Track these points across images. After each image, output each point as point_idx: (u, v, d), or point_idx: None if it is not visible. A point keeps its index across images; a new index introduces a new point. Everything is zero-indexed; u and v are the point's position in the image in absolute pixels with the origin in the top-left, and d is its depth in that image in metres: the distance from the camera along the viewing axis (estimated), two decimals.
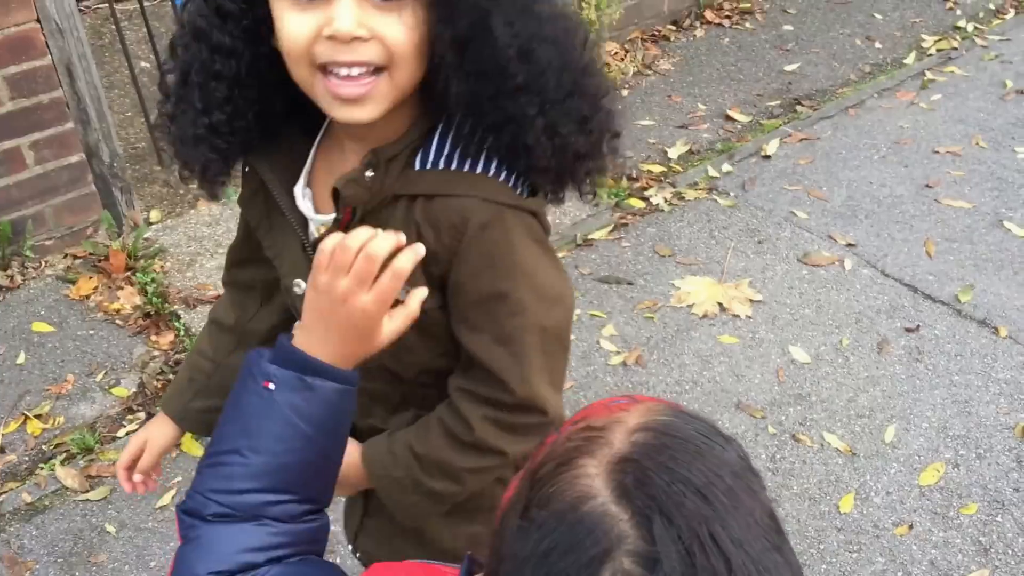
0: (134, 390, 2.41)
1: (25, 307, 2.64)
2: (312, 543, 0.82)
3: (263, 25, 0.89)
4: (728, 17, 4.15)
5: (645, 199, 3.09)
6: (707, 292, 2.71)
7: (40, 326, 2.58)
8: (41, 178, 2.70)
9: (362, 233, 0.83)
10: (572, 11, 0.94)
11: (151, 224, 2.95)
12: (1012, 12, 4.22)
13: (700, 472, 0.54)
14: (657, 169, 3.23)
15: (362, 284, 0.82)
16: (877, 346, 2.52)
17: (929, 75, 3.73)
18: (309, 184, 1.01)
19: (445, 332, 0.99)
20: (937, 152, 3.29)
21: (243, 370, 0.82)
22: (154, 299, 2.63)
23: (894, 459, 2.22)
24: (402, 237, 0.85)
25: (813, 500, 2.13)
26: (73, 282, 2.70)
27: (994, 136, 3.36)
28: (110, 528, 2.10)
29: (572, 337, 1.33)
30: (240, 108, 0.92)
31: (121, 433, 2.31)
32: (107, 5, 3.10)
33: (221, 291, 2.77)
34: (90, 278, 2.71)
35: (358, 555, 1.26)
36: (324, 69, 0.86)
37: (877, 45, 3.98)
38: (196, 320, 2.59)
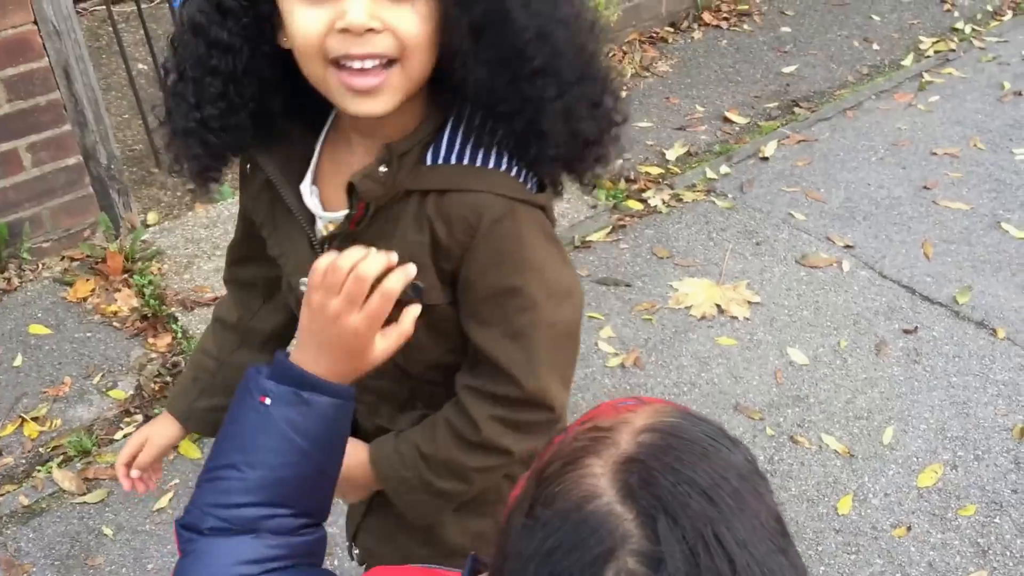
0: (131, 392, 2.40)
1: (22, 309, 2.64)
2: (309, 556, 0.83)
3: (266, 23, 0.89)
4: (726, 19, 4.16)
5: (643, 201, 3.09)
6: (705, 294, 2.71)
7: (37, 328, 2.57)
8: (38, 180, 2.69)
9: (353, 253, 0.84)
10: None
11: (148, 226, 2.95)
12: (1010, 14, 4.22)
13: (706, 473, 0.54)
14: (655, 171, 3.23)
15: (353, 304, 0.83)
16: (875, 348, 2.52)
17: (927, 77, 3.73)
18: (315, 182, 1.01)
19: (455, 328, 0.99)
20: (935, 154, 3.29)
21: (241, 386, 0.83)
22: (151, 301, 2.62)
23: (892, 460, 2.22)
24: (393, 257, 0.86)
25: (811, 502, 2.13)
26: (70, 284, 2.70)
27: (992, 138, 3.36)
28: (107, 531, 2.09)
29: None
30: (234, 105, 0.92)
31: (118, 435, 2.31)
32: (104, 7, 3.10)
33: (219, 293, 2.79)
34: (87, 280, 2.71)
35: (356, 552, 1.26)
36: (337, 63, 0.86)
37: (875, 47, 3.98)
38: (194, 322, 2.59)
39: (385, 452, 1.05)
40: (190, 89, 0.92)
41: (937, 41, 3.99)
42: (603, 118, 0.94)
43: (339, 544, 1.97)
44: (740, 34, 4.08)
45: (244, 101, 0.92)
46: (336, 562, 1.98)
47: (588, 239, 2.93)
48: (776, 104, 3.62)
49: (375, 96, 0.87)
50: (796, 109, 3.60)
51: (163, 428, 1.22)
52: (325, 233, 1.00)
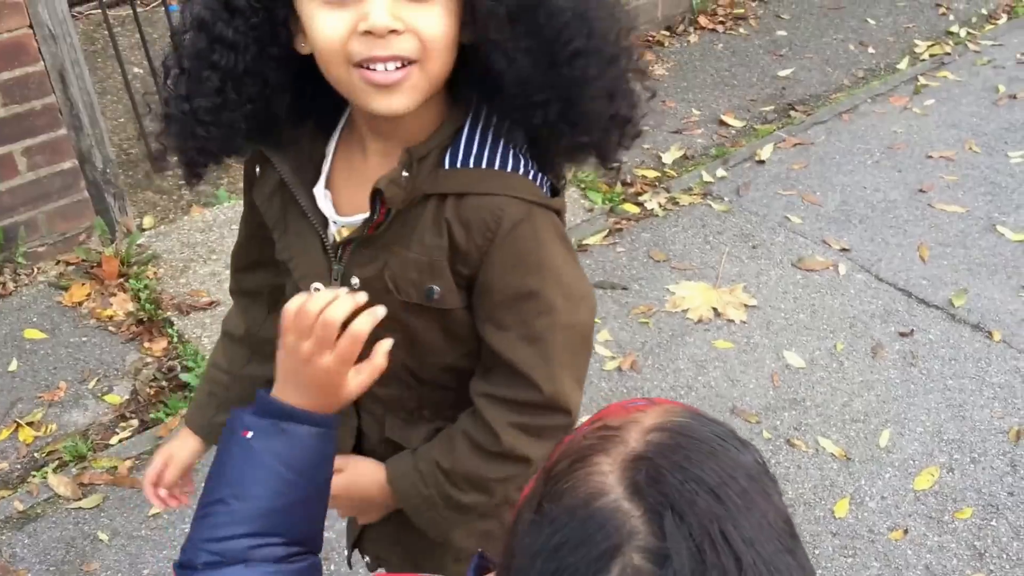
0: (127, 397, 2.40)
1: (17, 314, 2.63)
2: None
3: (281, 27, 0.89)
4: (722, 23, 4.17)
5: (640, 204, 3.09)
6: (702, 297, 2.71)
7: (32, 333, 2.57)
8: (34, 184, 2.69)
9: (323, 296, 0.86)
10: None
11: (144, 230, 2.94)
12: (1004, 17, 4.24)
13: (714, 472, 0.54)
14: (651, 174, 3.23)
15: (322, 346, 0.85)
16: (871, 351, 2.52)
17: (922, 80, 3.74)
18: (327, 186, 1.00)
19: (470, 332, 0.99)
20: (930, 157, 3.30)
21: (226, 427, 0.86)
22: (147, 306, 2.62)
23: (889, 464, 2.22)
24: (361, 298, 0.87)
25: (808, 505, 2.13)
26: (66, 289, 2.69)
27: (987, 141, 3.37)
28: (103, 536, 2.08)
29: None
30: (230, 102, 0.91)
31: (114, 440, 2.30)
32: (100, 11, 3.10)
33: (215, 297, 2.79)
34: (83, 285, 2.70)
35: (365, 559, 1.26)
36: (359, 66, 0.86)
37: (870, 50, 3.99)
38: (189, 327, 2.58)
39: (404, 470, 1.04)
40: (183, 81, 0.92)
41: (932, 45, 4.00)
42: (635, 94, 0.95)
43: (335, 549, 1.97)
44: (736, 38, 4.09)
45: (241, 100, 0.92)
46: (333, 567, 1.97)
47: (585, 242, 2.93)
48: (772, 107, 3.63)
49: (398, 91, 0.87)
50: (792, 112, 3.60)
51: (184, 444, 1.22)
52: (338, 238, 0.99)
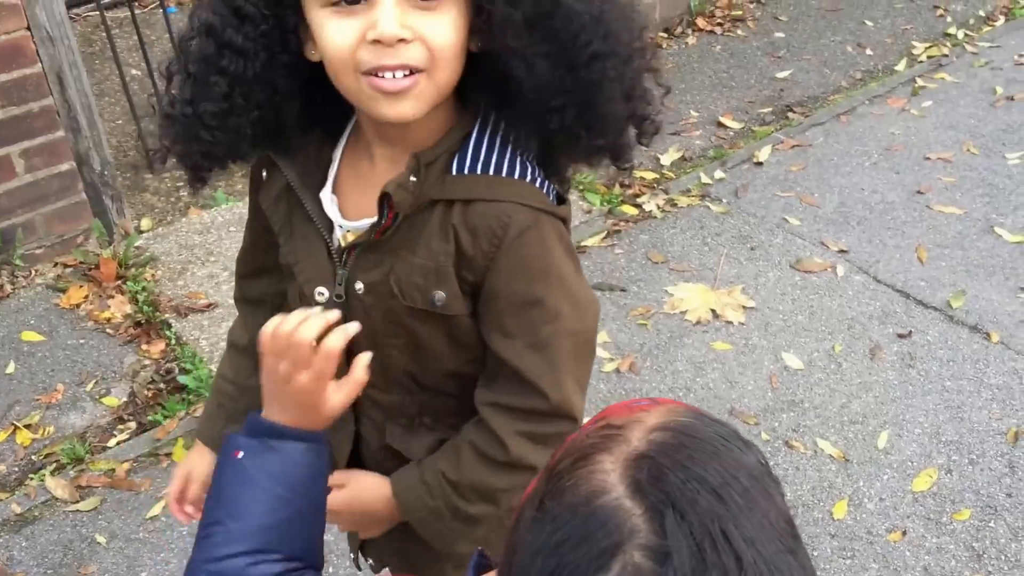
0: (125, 399, 2.39)
1: (15, 316, 2.63)
2: None
3: (291, 34, 0.89)
4: (720, 24, 4.17)
5: (638, 206, 3.09)
6: (700, 299, 2.71)
7: (30, 335, 2.56)
8: (31, 186, 2.68)
9: (294, 318, 0.87)
10: None
11: (142, 232, 2.94)
12: (1002, 19, 4.24)
13: (716, 472, 0.54)
14: (650, 176, 3.23)
15: (298, 365, 0.86)
16: (870, 352, 2.53)
17: (920, 82, 3.75)
18: (334, 191, 1.00)
19: (475, 339, 0.99)
20: (928, 158, 3.31)
21: (221, 452, 0.88)
22: (145, 308, 2.62)
23: (887, 465, 2.22)
24: (332, 316, 0.88)
25: (807, 506, 2.13)
26: (63, 291, 2.69)
27: (985, 142, 3.38)
28: (100, 539, 2.08)
29: None
30: (237, 107, 0.91)
31: (111, 443, 2.30)
32: (98, 13, 3.09)
33: (212, 299, 2.78)
34: (80, 287, 2.70)
35: (370, 562, 1.27)
36: (367, 74, 0.86)
37: (868, 52, 4.00)
38: (187, 329, 2.58)
39: (409, 483, 1.04)
40: (188, 85, 0.92)
41: (930, 46, 4.00)
42: (650, 92, 0.95)
43: (333, 552, 1.96)
44: (734, 39, 4.09)
45: (249, 106, 0.92)
46: (331, 569, 1.97)
47: (583, 244, 2.93)
48: (770, 109, 3.63)
49: (406, 98, 0.87)
50: (790, 114, 3.60)
51: (202, 458, 1.22)
52: (343, 243, 0.99)
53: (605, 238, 2.96)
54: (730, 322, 2.63)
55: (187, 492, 1.20)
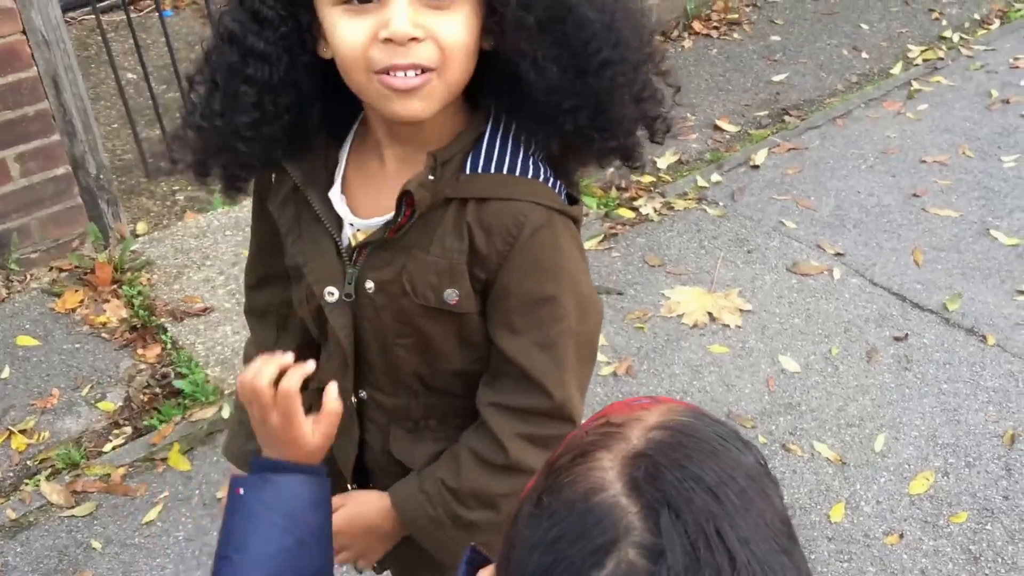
0: (120, 404, 2.39)
1: (10, 321, 2.62)
2: None
3: (306, 33, 0.89)
4: (716, 28, 4.18)
5: (634, 209, 3.09)
6: (697, 302, 2.71)
7: (25, 340, 2.55)
8: (26, 190, 2.68)
9: (252, 367, 0.90)
10: None
11: (138, 236, 2.94)
12: (997, 22, 4.26)
13: (713, 472, 0.54)
14: (646, 179, 3.23)
15: (265, 409, 0.89)
16: (866, 355, 2.53)
17: (915, 85, 3.76)
18: (343, 191, 1.01)
19: (483, 338, 1.00)
20: (924, 161, 3.31)
21: (227, 495, 0.91)
22: (140, 312, 2.61)
23: (884, 468, 2.22)
24: (288, 358, 0.89)
25: (804, 510, 2.12)
26: (59, 295, 2.68)
27: (980, 145, 3.38)
28: (96, 544, 2.07)
29: None
30: (268, 115, 0.92)
31: (107, 448, 2.29)
32: (93, 16, 3.09)
33: (208, 303, 2.78)
34: (76, 291, 2.69)
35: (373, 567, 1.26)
36: (379, 72, 0.86)
37: (864, 55, 4.01)
38: (183, 333, 2.57)
39: (409, 492, 1.04)
40: (218, 98, 0.92)
41: (925, 50, 4.01)
42: (660, 93, 0.96)
43: None
44: (730, 43, 4.10)
45: (279, 111, 0.92)
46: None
47: None
48: (766, 112, 3.64)
49: (418, 96, 0.87)
50: (786, 117, 3.61)
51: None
52: (354, 242, 0.99)
53: (602, 241, 2.96)
54: (727, 325, 2.63)
55: None
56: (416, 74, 0.85)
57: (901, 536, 2.06)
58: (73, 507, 2.15)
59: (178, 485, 2.21)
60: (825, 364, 2.51)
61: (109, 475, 2.22)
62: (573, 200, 0.99)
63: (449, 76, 0.87)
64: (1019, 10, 4.32)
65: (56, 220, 2.76)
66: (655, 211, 3.08)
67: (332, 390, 0.91)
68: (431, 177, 0.92)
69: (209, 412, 2.34)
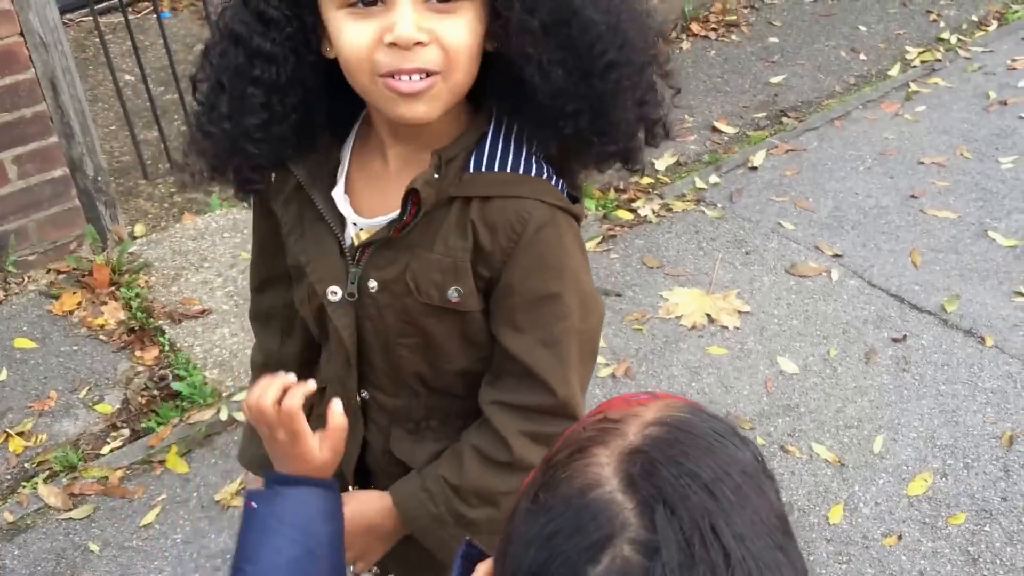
0: (118, 406, 2.38)
1: (7, 323, 2.61)
2: None
3: (312, 34, 0.89)
4: (714, 30, 4.18)
5: (633, 211, 3.09)
6: (695, 303, 2.71)
7: (22, 342, 2.55)
8: (24, 192, 2.68)
9: (256, 388, 0.92)
10: None
11: (135, 238, 2.93)
12: (995, 24, 4.26)
13: (709, 468, 0.54)
14: (645, 181, 3.23)
15: (272, 427, 0.91)
16: (864, 356, 2.53)
17: (913, 87, 3.76)
18: (345, 190, 1.01)
19: (486, 337, 1.00)
20: (922, 163, 3.31)
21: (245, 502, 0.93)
22: (138, 314, 2.61)
23: (882, 469, 2.22)
24: (290, 378, 0.91)
25: (802, 511, 2.12)
26: (56, 297, 2.68)
27: (978, 147, 3.39)
28: (94, 547, 2.07)
29: None
30: (277, 115, 0.92)
31: (105, 450, 2.29)
32: (91, 18, 3.09)
33: (206, 305, 2.77)
34: (74, 293, 2.69)
35: (375, 569, 1.26)
36: (383, 75, 0.87)
37: (862, 57, 4.01)
38: (181, 335, 2.57)
39: (410, 491, 1.04)
40: (226, 99, 0.92)
41: (923, 51, 4.01)
42: (661, 96, 0.96)
43: None
44: (728, 45, 4.10)
45: (287, 111, 0.92)
46: None
47: None
48: (764, 114, 3.64)
49: (423, 99, 0.87)
50: (784, 119, 3.61)
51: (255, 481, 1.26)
52: (357, 241, 1.00)
53: (600, 243, 2.96)
54: (725, 327, 2.63)
55: None
56: (421, 78, 0.86)
57: (900, 538, 2.06)
58: (71, 510, 2.14)
59: (176, 487, 2.20)
60: (823, 365, 2.51)
61: (107, 477, 2.21)
62: (574, 199, 1.00)
63: (454, 79, 0.88)
64: (1017, 12, 4.33)
65: (54, 222, 2.76)
66: (653, 213, 3.08)
67: (336, 407, 0.92)
68: (436, 175, 0.92)
69: (207, 414, 2.34)
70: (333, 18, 0.87)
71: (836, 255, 2.89)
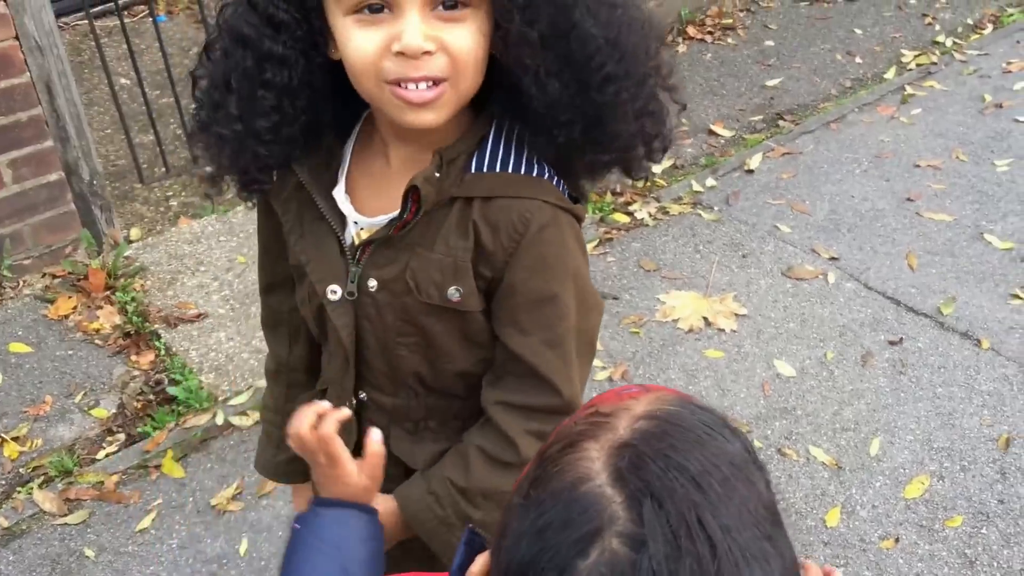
0: (114, 411, 2.38)
1: (2, 327, 2.61)
2: None
3: (319, 36, 0.90)
4: (710, 33, 4.19)
5: (629, 214, 3.09)
6: (692, 306, 2.71)
7: (17, 347, 2.54)
8: (19, 196, 2.67)
9: (295, 419, 0.95)
10: None
11: (131, 242, 2.93)
12: (990, 27, 4.27)
13: (697, 461, 0.55)
14: (641, 184, 3.24)
15: (314, 453, 0.95)
16: (861, 359, 2.53)
17: (909, 89, 3.77)
18: (346, 190, 1.01)
19: (487, 337, 1.00)
20: (918, 166, 3.32)
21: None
22: (134, 318, 2.60)
23: (879, 472, 2.22)
24: (324, 405, 0.96)
25: (800, 514, 2.12)
26: (51, 301, 2.67)
27: (974, 149, 3.39)
28: (89, 552, 2.06)
29: None
30: (288, 117, 0.92)
31: (100, 455, 2.28)
32: (86, 22, 3.08)
33: (202, 309, 2.76)
34: (69, 297, 2.68)
35: None
36: (390, 82, 0.87)
37: (858, 60, 4.02)
38: (177, 339, 2.57)
39: (416, 495, 1.04)
40: (235, 101, 0.92)
41: (919, 54, 4.02)
42: (663, 110, 0.97)
43: None
44: (724, 48, 4.11)
45: (296, 113, 0.93)
46: None
47: None
48: (761, 117, 3.65)
49: (431, 108, 0.88)
50: (780, 122, 3.62)
51: (296, 495, 1.29)
52: (357, 241, 1.00)
53: (597, 246, 2.96)
54: (722, 330, 2.63)
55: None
56: (428, 86, 0.86)
57: (897, 540, 2.06)
58: (66, 515, 2.13)
59: (172, 492, 2.20)
60: (820, 368, 2.51)
61: (102, 482, 2.20)
62: (575, 199, 1.00)
63: (461, 85, 0.88)
64: (1012, 15, 4.34)
65: (49, 226, 2.75)
66: (650, 216, 3.08)
67: (375, 434, 0.96)
68: (437, 174, 0.93)
69: (203, 419, 2.33)
70: (340, 25, 0.87)
71: (832, 258, 2.89)
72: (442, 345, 1.01)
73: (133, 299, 2.66)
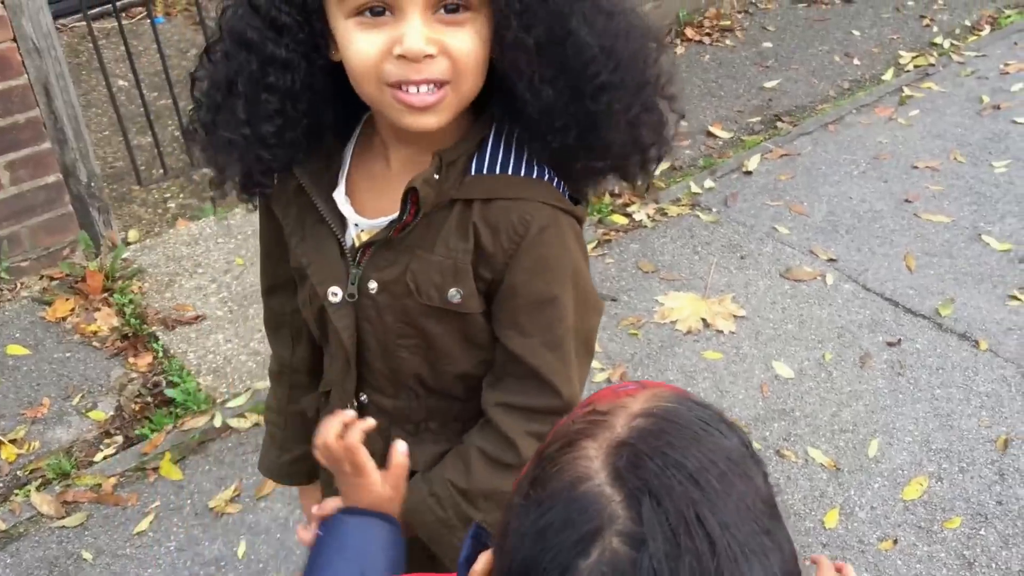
0: (111, 413, 2.37)
1: (0, 329, 2.60)
2: None
3: (320, 39, 0.90)
4: (708, 34, 4.19)
5: (628, 215, 3.09)
6: (691, 308, 2.71)
7: (15, 349, 2.54)
8: (17, 198, 2.67)
9: (321, 429, 0.97)
10: (633, 4, 0.96)
11: (129, 244, 2.92)
12: (988, 28, 4.28)
13: (695, 458, 0.55)
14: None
15: (339, 461, 0.97)
16: (859, 360, 2.53)
17: (907, 91, 3.77)
18: (347, 192, 1.01)
19: (487, 338, 1.00)
20: (916, 167, 3.32)
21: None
22: (132, 320, 2.60)
23: (878, 473, 2.22)
24: (347, 415, 0.98)
25: (798, 516, 2.12)
26: (49, 304, 2.67)
27: (972, 151, 3.40)
28: (87, 555, 2.06)
29: None
30: (291, 120, 0.93)
31: (98, 457, 2.27)
32: (84, 23, 3.08)
33: (200, 311, 2.76)
34: (67, 299, 2.68)
35: None
36: (392, 86, 0.87)
37: (855, 62, 4.02)
38: (175, 341, 2.56)
39: (418, 498, 1.04)
40: (241, 105, 0.92)
41: (917, 56, 4.03)
42: (661, 119, 0.97)
43: None
44: (722, 49, 4.11)
45: (299, 116, 0.93)
46: None
47: None
48: (759, 119, 3.65)
49: (432, 112, 0.88)
50: (779, 123, 3.62)
51: (305, 492, 1.30)
52: (357, 243, 1.00)
53: (596, 247, 2.96)
54: (720, 331, 2.63)
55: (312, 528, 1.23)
56: (430, 89, 0.86)
57: (895, 542, 2.06)
58: (64, 517, 2.13)
59: (170, 495, 2.19)
60: (818, 370, 2.51)
61: (100, 485, 2.20)
62: (576, 200, 1.00)
63: (462, 88, 0.89)
64: (1009, 16, 4.35)
65: (47, 228, 2.75)
66: (648, 217, 3.08)
67: (400, 446, 0.98)
68: (436, 176, 0.93)
69: (201, 421, 2.33)
70: (341, 27, 0.87)
71: (831, 259, 2.90)
72: (442, 347, 1.01)
73: (131, 301, 2.66)
